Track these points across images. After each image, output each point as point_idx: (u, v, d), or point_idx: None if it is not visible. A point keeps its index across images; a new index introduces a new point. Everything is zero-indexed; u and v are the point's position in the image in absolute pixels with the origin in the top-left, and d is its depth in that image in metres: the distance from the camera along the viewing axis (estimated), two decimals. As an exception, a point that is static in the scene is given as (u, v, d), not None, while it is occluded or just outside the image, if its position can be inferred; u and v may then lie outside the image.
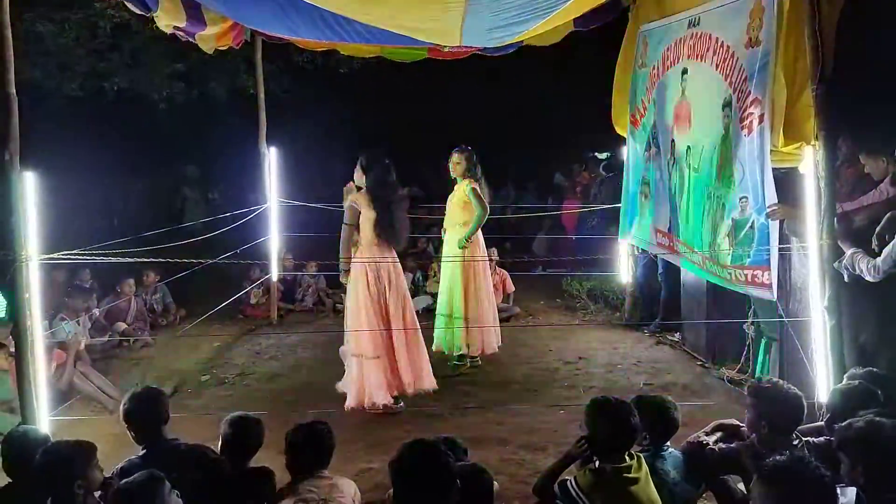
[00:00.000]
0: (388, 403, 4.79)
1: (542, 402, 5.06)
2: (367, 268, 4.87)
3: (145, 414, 3.15)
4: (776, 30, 3.95)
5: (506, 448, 4.25)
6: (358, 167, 4.95)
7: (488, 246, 6.68)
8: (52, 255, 3.94)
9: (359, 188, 4.97)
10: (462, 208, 5.60)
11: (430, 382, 5.01)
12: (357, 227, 4.90)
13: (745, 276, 4.29)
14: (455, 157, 5.67)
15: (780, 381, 3.00)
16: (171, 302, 7.59)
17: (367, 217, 4.84)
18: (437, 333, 5.79)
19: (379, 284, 4.88)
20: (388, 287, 4.91)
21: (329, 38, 6.16)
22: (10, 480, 3.00)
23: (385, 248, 4.93)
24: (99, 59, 8.75)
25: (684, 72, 5.19)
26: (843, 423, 2.46)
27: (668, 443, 2.97)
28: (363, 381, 4.81)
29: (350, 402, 4.81)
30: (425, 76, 9.56)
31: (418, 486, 2.29)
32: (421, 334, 5.07)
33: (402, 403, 4.88)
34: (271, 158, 7.28)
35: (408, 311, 5.01)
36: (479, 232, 5.70)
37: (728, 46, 4.50)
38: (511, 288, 7.72)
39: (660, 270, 6.57)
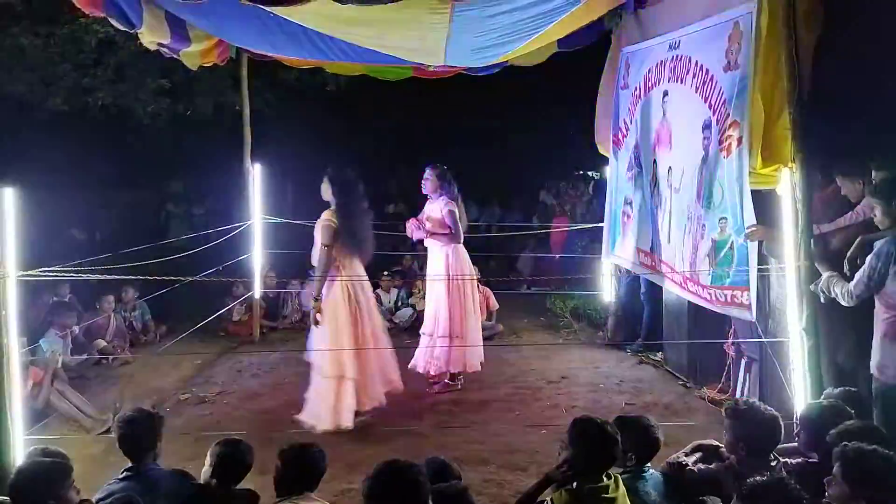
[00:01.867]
0: (349, 426, 4.81)
1: (523, 422, 5.05)
2: (346, 287, 4.89)
3: (138, 436, 3.11)
4: (754, 54, 4.02)
5: (487, 468, 4.24)
6: (325, 181, 4.99)
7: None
8: (30, 272, 3.90)
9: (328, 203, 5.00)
10: (440, 226, 5.55)
11: (399, 383, 5.12)
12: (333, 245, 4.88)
13: (725, 296, 4.34)
14: (426, 173, 5.63)
15: (757, 403, 3.02)
16: (149, 319, 7.51)
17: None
18: (417, 352, 5.76)
19: (353, 302, 4.91)
20: (361, 302, 4.94)
21: (314, 56, 6.20)
22: None
23: (355, 264, 4.98)
24: (84, 74, 8.72)
25: (665, 94, 5.26)
26: (844, 450, 2.42)
27: (649, 463, 2.98)
28: (339, 402, 4.80)
29: (325, 425, 4.76)
30: (411, 94, 9.61)
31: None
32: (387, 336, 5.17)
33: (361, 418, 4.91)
34: (256, 175, 7.27)
35: (377, 319, 5.09)
36: (463, 248, 5.68)
37: (707, 69, 4.58)
38: (495, 305, 7.73)
39: (642, 290, 6.61)
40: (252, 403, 5.60)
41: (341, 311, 4.87)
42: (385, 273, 8.20)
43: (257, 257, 7.32)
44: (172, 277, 4.90)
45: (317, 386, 4.91)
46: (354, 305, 4.90)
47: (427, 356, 5.67)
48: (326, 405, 4.81)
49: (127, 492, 2.84)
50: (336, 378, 4.83)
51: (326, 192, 4.99)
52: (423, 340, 5.75)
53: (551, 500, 2.67)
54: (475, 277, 5.97)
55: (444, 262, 5.56)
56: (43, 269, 4.05)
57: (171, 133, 10.84)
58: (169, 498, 2.88)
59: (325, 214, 4.91)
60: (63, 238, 9.56)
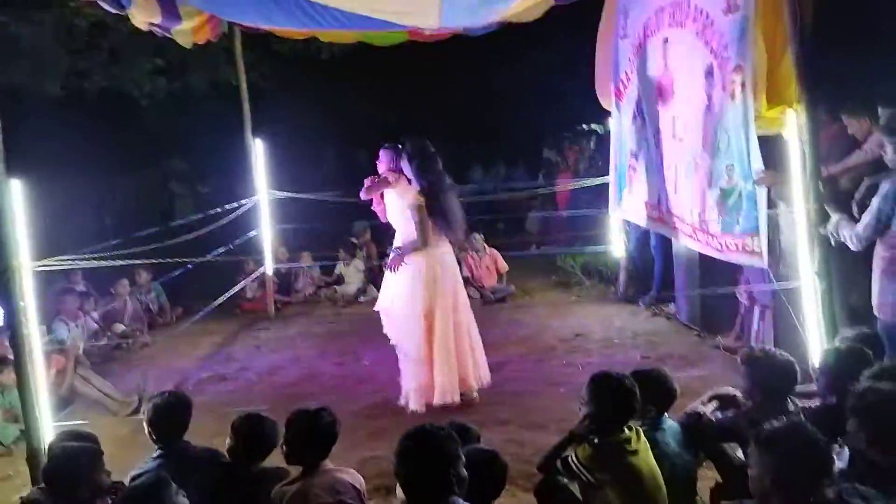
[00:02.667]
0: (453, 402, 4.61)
1: (540, 381, 5.09)
2: (433, 268, 4.65)
3: (170, 420, 3.17)
4: (755, -6, 3.94)
5: (507, 428, 4.30)
6: (403, 156, 4.69)
7: (478, 229, 6.62)
8: (44, 262, 3.94)
9: (385, 179, 4.78)
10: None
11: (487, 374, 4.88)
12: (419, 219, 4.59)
13: (736, 244, 4.33)
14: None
15: (773, 349, 3.05)
16: (165, 301, 7.60)
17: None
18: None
19: (439, 284, 4.63)
20: (446, 284, 4.67)
21: (307, 25, 6.10)
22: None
23: (441, 242, 4.72)
24: (78, 58, 8.66)
25: (665, 41, 5.18)
26: (859, 390, 2.46)
27: (666, 413, 3.02)
28: (428, 381, 4.63)
29: (414, 405, 4.64)
30: (408, 58, 9.49)
31: (422, 472, 2.32)
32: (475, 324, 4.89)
33: (475, 395, 4.72)
34: (258, 149, 7.25)
35: (462, 301, 4.79)
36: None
37: (707, 13, 4.49)
38: (504, 267, 7.76)
39: (652, 243, 6.60)
40: (273, 378, 5.68)
41: (422, 292, 4.64)
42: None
43: (266, 233, 7.35)
44: (184, 259, 4.93)
45: (403, 367, 4.76)
46: (440, 286, 4.65)
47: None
48: (416, 385, 4.65)
49: (160, 471, 2.91)
50: (418, 358, 4.65)
51: (406, 168, 4.68)
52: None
53: (575, 454, 2.72)
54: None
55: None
56: (57, 258, 4.09)
57: (170, 112, 10.79)
58: (201, 476, 2.94)
59: (410, 194, 4.63)
60: (72, 225, 9.60)
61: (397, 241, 4.83)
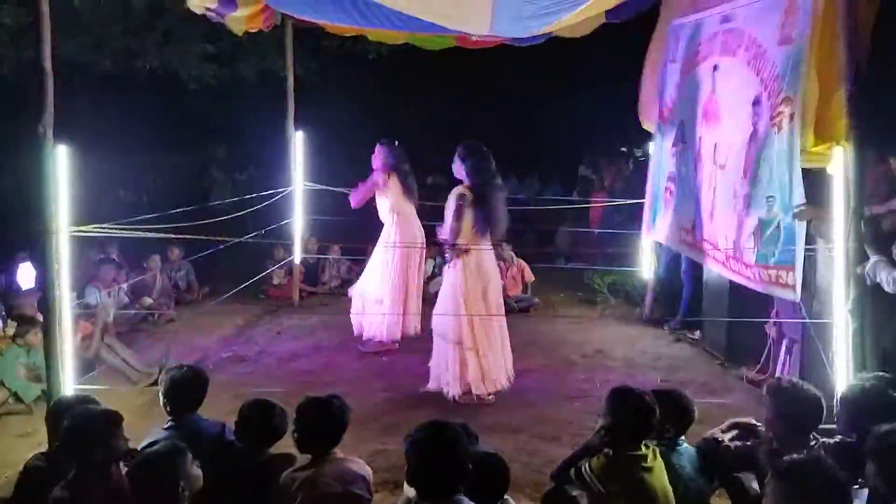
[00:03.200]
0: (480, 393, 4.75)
1: (557, 394, 5.06)
2: (473, 265, 4.77)
3: (186, 394, 3.20)
4: (810, 28, 3.88)
5: (519, 437, 4.27)
6: (456, 158, 4.82)
7: (508, 239, 6.65)
8: (81, 228, 4.01)
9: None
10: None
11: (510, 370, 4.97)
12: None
13: (769, 275, 4.25)
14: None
15: (801, 382, 2.98)
16: (194, 279, 7.71)
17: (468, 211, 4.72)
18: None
19: (479, 281, 4.77)
20: (486, 282, 4.81)
21: (357, 22, 6.17)
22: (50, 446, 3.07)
23: (484, 242, 4.84)
24: (132, 38, 8.84)
25: (715, 68, 5.13)
26: (880, 432, 2.40)
27: (683, 437, 2.97)
28: (464, 369, 4.74)
29: (453, 391, 4.75)
30: (453, 64, 9.53)
31: (433, 465, 2.31)
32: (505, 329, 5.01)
33: (492, 396, 4.81)
34: (298, 142, 7.33)
35: (498, 301, 4.92)
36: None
37: (760, 43, 4.44)
38: (530, 277, 7.71)
39: (683, 268, 6.52)
40: (291, 364, 5.72)
41: (463, 288, 4.75)
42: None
43: (298, 223, 7.41)
44: (217, 238, 4.99)
45: (441, 352, 4.86)
46: (480, 284, 4.78)
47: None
48: (452, 372, 4.76)
49: (171, 440, 2.93)
50: (457, 345, 4.75)
51: (459, 170, 4.82)
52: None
53: (588, 465, 2.68)
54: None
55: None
56: (94, 226, 4.16)
57: (217, 99, 10.94)
58: (207, 449, 2.96)
59: (459, 189, 4.75)
60: (111, 198, 9.79)
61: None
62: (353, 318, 6.00)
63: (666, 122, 6.15)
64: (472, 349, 4.75)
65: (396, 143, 5.76)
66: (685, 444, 2.95)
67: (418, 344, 5.55)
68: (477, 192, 4.73)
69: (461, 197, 4.72)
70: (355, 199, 5.91)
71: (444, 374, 4.83)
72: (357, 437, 3.65)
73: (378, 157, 5.76)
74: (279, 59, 8.14)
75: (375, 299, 5.85)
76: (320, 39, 9.35)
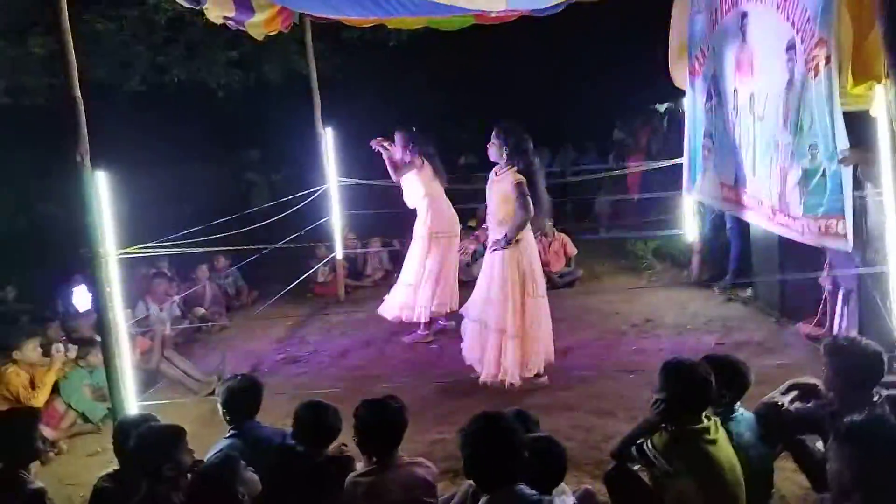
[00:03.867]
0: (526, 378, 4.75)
1: (609, 367, 5.03)
2: (519, 245, 4.75)
3: (243, 402, 3.29)
4: (840, -36, 3.72)
5: (574, 414, 4.27)
6: (495, 139, 4.77)
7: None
8: (128, 250, 4.13)
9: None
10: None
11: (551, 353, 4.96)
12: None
13: (819, 227, 4.12)
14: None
15: (858, 337, 2.90)
16: (243, 284, 7.88)
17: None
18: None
19: (523, 265, 4.76)
20: (530, 262, 4.82)
21: (374, 13, 6.15)
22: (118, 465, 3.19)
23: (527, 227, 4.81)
24: (157, 53, 9.01)
25: (744, 15, 4.96)
26: None
27: (739, 403, 2.92)
28: (503, 358, 4.75)
29: (485, 377, 4.77)
30: (475, 42, 9.43)
31: (487, 456, 2.33)
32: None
33: (545, 378, 4.81)
34: (328, 138, 7.37)
35: (541, 284, 4.91)
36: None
37: (789, -14, 4.27)
38: (573, 251, 7.65)
39: (728, 226, 6.38)
40: (344, 361, 5.80)
41: (507, 274, 4.74)
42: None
43: (336, 219, 7.48)
44: (258, 247, 5.07)
45: (480, 337, 4.88)
46: (527, 269, 4.77)
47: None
48: (492, 358, 4.77)
49: (232, 449, 3.01)
50: (499, 332, 4.75)
51: (496, 150, 4.78)
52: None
53: (651, 441, 2.66)
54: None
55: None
56: (139, 246, 4.28)
57: (245, 103, 11.09)
58: (269, 457, 3.03)
59: (511, 174, 4.69)
60: (153, 214, 10.03)
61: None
62: (393, 309, 6.00)
63: (697, 77, 5.99)
64: (516, 337, 4.71)
65: (413, 128, 5.72)
66: (742, 411, 2.89)
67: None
68: (526, 176, 4.69)
69: (521, 186, 4.64)
70: (394, 175, 5.88)
71: (487, 360, 4.81)
72: (414, 429, 3.65)
73: (399, 144, 5.78)
74: (301, 58, 8.19)
75: (411, 284, 5.88)
76: (340, 32, 9.36)
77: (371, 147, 5.93)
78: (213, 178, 12.17)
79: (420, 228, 5.94)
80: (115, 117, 9.01)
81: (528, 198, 4.65)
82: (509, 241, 4.71)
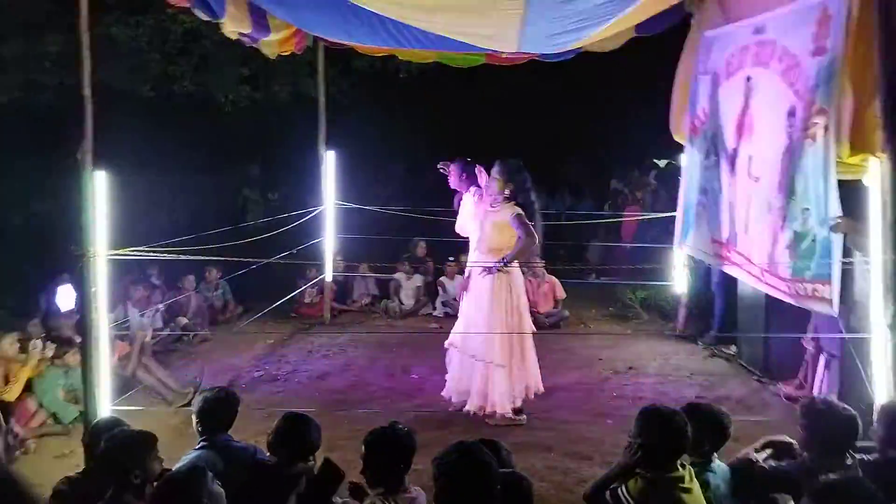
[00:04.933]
0: (509, 414, 4.76)
1: (589, 411, 5.03)
2: (510, 275, 4.82)
3: (218, 414, 3.27)
4: (844, 38, 3.82)
5: (550, 455, 4.25)
6: (498, 175, 4.84)
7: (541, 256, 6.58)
8: (118, 251, 4.12)
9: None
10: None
11: (539, 384, 4.98)
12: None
13: (806, 289, 4.17)
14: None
15: (835, 401, 2.92)
16: (230, 298, 7.84)
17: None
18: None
19: (513, 297, 4.83)
20: (518, 294, 4.87)
21: (388, 43, 6.27)
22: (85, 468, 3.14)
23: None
24: (170, 63, 9.09)
25: (748, 79, 5.07)
26: None
27: (716, 454, 2.91)
28: (490, 389, 4.76)
29: (470, 407, 4.80)
30: (483, 81, 9.59)
31: (460, 488, 2.30)
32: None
33: (524, 416, 4.82)
34: (329, 161, 7.43)
35: (527, 317, 4.98)
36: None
37: (794, 55, 4.38)
38: (562, 294, 7.67)
39: (714, 280, 6.43)
40: (322, 383, 5.77)
41: (502, 299, 4.79)
42: (450, 259, 8.23)
43: (329, 241, 7.49)
44: (248, 259, 5.07)
45: (468, 368, 4.87)
46: (515, 301, 4.83)
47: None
48: (478, 389, 4.78)
49: (203, 460, 2.98)
50: (486, 362, 4.77)
51: (497, 185, 4.84)
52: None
53: (626, 486, 2.64)
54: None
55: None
56: (130, 248, 4.27)
57: (250, 119, 11.16)
58: (240, 469, 3.00)
59: (509, 207, 4.77)
60: (148, 221, 10.01)
61: (474, 252, 4.95)
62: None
63: (698, 135, 6.08)
64: (503, 367, 4.74)
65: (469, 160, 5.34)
66: (719, 462, 2.89)
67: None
68: (523, 209, 4.79)
69: (522, 217, 4.75)
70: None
71: (473, 392, 4.83)
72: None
73: (454, 175, 5.20)
74: (311, 80, 8.29)
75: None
76: (351, 60, 9.50)
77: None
78: (210, 191, 12.15)
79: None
80: (121, 122, 9.05)
81: (530, 227, 4.74)
82: (507, 261, 4.75)
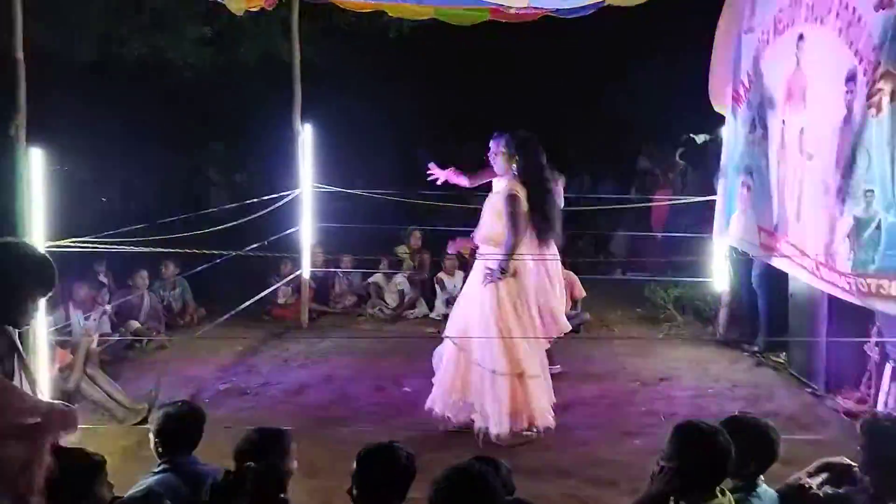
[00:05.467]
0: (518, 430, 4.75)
1: (613, 430, 5.03)
2: (517, 275, 4.79)
3: (181, 432, 3.26)
4: (914, -12, 3.83)
5: (568, 482, 4.25)
6: (503, 149, 4.84)
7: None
8: (59, 242, 4.11)
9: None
10: (496, 218, 4.88)
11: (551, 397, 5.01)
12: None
13: (869, 285, 4.18)
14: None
15: (903, 416, 2.92)
16: (190, 299, 7.84)
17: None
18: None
19: (521, 288, 4.80)
20: (526, 290, 4.83)
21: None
22: None
23: (532, 248, 4.86)
24: (117, 22, 9.05)
25: (800, 38, 5.08)
26: None
27: (762, 477, 2.92)
28: (523, 403, 4.75)
29: (499, 429, 4.70)
30: (487, 42, 9.57)
31: None
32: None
33: (534, 431, 4.81)
34: (306, 137, 7.41)
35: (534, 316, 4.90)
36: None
37: (854, 9, 4.38)
38: (581, 293, 7.67)
39: (755, 273, 6.45)
40: (299, 397, 5.77)
41: (495, 298, 4.78)
42: (449, 251, 8.22)
43: (306, 231, 7.48)
44: (211, 252, 5.06)
45: (489, 385, 4.80)
46: (524, 298, 4.80)
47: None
48: (502, 406, 4.72)
49: (163, 485, 2.98)
50: (511, 375, 4.74)
51: (502, 161, 4.84)
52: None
53: None
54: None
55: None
56: (74, 239, 4.26)
57: (213, 88, 11.14)
58: (206, 494, 3.00)
59: (509, 184, 4.78)
60: (94, 206, 10.02)
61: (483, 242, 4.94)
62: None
63: (741, 104, 6.10)
64: (507, 376, 4.73)
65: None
66: (765, 487, 2.90)
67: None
68: (532, 192, 4.76)
69: (512, 199, 4.71)
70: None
71: (479, 405, 4.82)
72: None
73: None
74: (284, 42, 8.27)
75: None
76: (332, 16, 9.47)
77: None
78: (167, 172, 12.17)
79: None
80: (61, 91, 9.04)
81: (518, 217, 4.71)
82: (503, 270, 4.74)
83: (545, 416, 4.81)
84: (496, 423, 4.71)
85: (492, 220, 4.86)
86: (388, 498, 2.75)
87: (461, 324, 4.99)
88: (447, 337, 5.02)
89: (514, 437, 4.73)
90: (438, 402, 4.94)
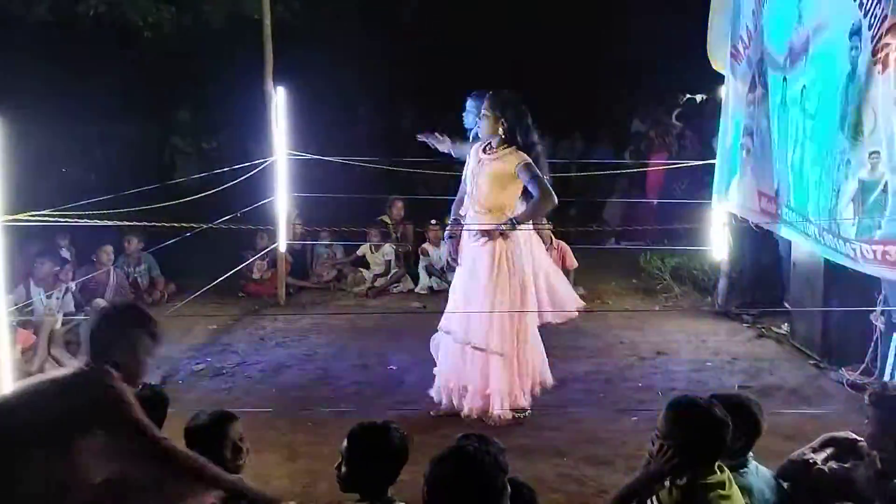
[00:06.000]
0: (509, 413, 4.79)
1: (609, 406, 5.08)
2: (512, 242, 4.80)
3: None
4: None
5: (563, 461, 4.29)
6: (488, 111, 4.78)
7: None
8: (17, 216, 4.07)
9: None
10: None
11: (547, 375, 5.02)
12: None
13: (874, 252, 4.22)
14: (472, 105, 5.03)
15: (911, 387, 2.97)
16: (158, 275, 7.80)
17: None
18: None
19: (516, 265, 4.80)
20: (522, 267, 4.83)
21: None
22: None
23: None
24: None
25: (801, -11, 5.08)
26: None
27: (751, 454, 2.96)
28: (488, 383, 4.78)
29: (468, 411, 4.79)
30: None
31: (456, 496, 2.34)
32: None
33: (527, 412, 4.85)
34: (279, 100, 7.35)
35: (530, 293, 4.90)
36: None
37: (860, -44, 4.38)
38: (573, 264, 7.70)
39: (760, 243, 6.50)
40: (278, 377, 5.78)
41: (497, 275, 4.76)
42: (433, 222, 8.23)
43: (282, 202, 7.45)
44: (182, 225, 5.03)
45: (481, 364, 4.83)
46: (519, 274, 4.81)
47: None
48: (504, 386, 4.75)
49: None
50: (502, 354, 4.77)
51: (489, 123, 4.80)
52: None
53: (657, 497, 2.67)
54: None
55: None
56: (32, 213, 4.22)
57: (177, 49, 10.98)
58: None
59: (514, 154, 4.72)
60: (52, 178, 9.91)
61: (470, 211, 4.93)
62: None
63: (740, 62, 6.10)
64: (502, 355, 4.76)
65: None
66: (756, 463, 2.94)
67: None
68: (526, 153, 4.75)
69: (531, 167, 4.68)
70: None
71: (472, 390, 4.83)
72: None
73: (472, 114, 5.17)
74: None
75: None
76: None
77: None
78: (130, 141, 12.05)
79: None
80: (13, 54, 8.90)
81: (545, 180, 4.71)
82: (515, 224, 4.72)
83: (538, 390, 4.88)
84: (492, 402, 4.75)
85: (490, 188, 4.81)
86: (378, 480, 2.76)
87: (453, 304, 4.98)
88: (442, 330, 5.01)
89: (507, 415, 4.77)
90: (443, 392, 4.96)
